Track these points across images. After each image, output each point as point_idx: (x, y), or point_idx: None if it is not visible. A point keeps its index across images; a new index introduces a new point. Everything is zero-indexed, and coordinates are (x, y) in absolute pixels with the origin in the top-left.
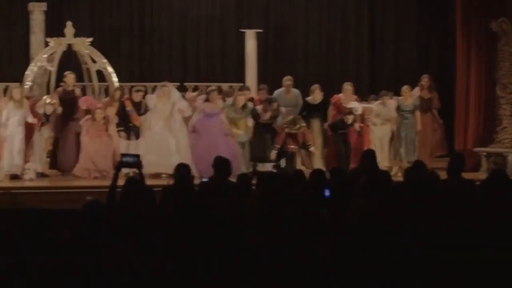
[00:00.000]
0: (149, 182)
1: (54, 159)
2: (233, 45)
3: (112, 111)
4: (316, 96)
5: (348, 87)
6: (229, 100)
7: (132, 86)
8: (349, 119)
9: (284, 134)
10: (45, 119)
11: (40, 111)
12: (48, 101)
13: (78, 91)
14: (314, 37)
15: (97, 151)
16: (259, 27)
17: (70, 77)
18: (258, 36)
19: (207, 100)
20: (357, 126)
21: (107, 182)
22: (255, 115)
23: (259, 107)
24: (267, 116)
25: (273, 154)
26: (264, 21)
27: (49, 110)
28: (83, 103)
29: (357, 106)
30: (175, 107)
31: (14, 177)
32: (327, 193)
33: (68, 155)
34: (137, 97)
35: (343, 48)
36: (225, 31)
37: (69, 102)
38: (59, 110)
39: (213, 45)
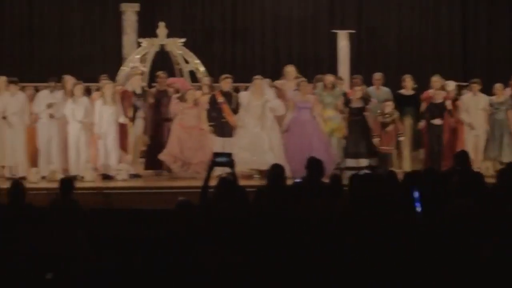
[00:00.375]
0: (241, 182)
1: (148, 159)
2: (325, 46)
3: (203, 98)
4: (407, 84)
5: (435, 78)
6: (319, 86)
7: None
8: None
9: (379, 129)
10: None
11: (130, 88)
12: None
13: (171, 91)
14: (406, 37)
15: (186, 141)
16: (351, 28)
17: (162, 77)
18: (350, 37)
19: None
20: (448, 104)
21: (199, 183)
22: (346, 101)
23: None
24: (357, 94)
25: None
26: (357, 21)
27: (138, 88)
28: (174, 81)
29: (450, 83)
30: (268, 105)
31: (107, 177)
32: (416, 194)
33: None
34: (225, 85)
35: (435, 49)
36: (317, 32)
37: (162, 102)
38: (151, 100)
39: (305, 46)
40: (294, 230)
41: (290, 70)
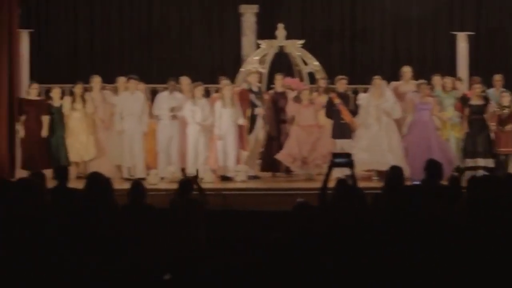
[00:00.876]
0: (360, 184)
1: (265, 161)
2: (444, 47)
3: (319, 98)
4: None
5: None
6: (438, 88)
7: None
8: None
9: (498, 132)
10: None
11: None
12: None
13: (289, 93)
14: None
15: (305, 139)
16: (470, 30)
17: (279, 78)
18: (469, 39)
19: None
20: None
21: (318, 184)
22: (465, 100)
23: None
24: (477, 92)
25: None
26: (476, 23)
27: (255, 86)
28: (289, 82)
29: None
30: (383, 106)
31: (225, 178)
32: None
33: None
34: (340, 86)
35: None
36: (436, 33)
37: (280, 104)
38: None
39: (424, 47)
40: (413, 233)
41: (407, 70)
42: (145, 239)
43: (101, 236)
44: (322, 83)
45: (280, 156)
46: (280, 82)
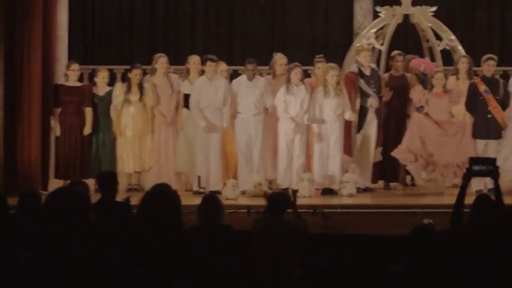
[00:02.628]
0: (508, 200)
1: (380, 168)
2: None
3: (458, 85)
4: None
5: None
6: None
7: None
8: None
9: None
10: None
11: None
12: None
13: (409, 77)
14: None
15: (433, 137)
16: None
17: (399, 59)
18: None
19: None
20: None
21: (451, 200)
22: None
23: None
24: None
25: None
26: None
27: (367, 67)
28: (417, 64)
29: None
30: None
31: (328, 192)
32: None
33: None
34: (488, 69)
35: None
36: None
37: (399, 92)
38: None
39: None
40: None
41: None
42: (220, 269)
43: (171, 266)
44: (463, 62)
45: (397, 152)
46: (400, 64)
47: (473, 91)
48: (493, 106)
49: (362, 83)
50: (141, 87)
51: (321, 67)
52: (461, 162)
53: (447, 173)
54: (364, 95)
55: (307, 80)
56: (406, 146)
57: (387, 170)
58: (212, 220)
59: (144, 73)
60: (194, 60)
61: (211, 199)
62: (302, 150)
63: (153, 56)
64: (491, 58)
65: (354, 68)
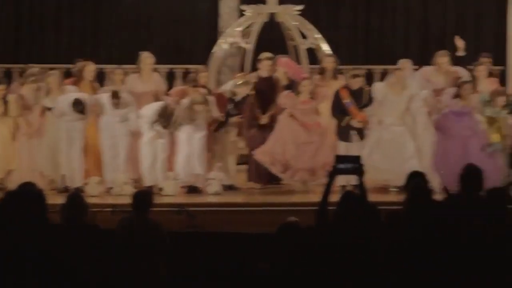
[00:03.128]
0: (372, 197)
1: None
2: (493, 14)
3: (324, 88)
4: None
5: None
6: (485, 95)
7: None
8: None
9: None
10: (233, 111)
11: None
12: (239, 81)
13: (276, 78)
14: None
15: (296, 140)
16: None
17: (267, 62)
18: None
19: (457, 96)
20: None
21: (316, 197)
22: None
23: None
24: None
25: None
26: None
27: (241, 92)
28: (283, 65)
29: None
30: (413, 101)
31: (192, 190)
32: None
33: None
34: (355, 84)
35: None
36: None
37: (265, 93)
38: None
39: (466, 16)
40: (443, 261)
41: (443, 59)
42: (85, 267)
43: (36, 263)
44: (328, 61)
45: (258, 153)
46: (266, 64)
47: (337, 99)
48: (355, 113)
49: (230, 107)
50: (5, 101)
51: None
52: (323, 164)
53: (307, 178)
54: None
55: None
56: (267, 148)
57: (252, 168)
58: (76, 219)
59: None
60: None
61: (75, 198)
62: (164, 148)
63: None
64: (358, 75)
65: (227, 92)
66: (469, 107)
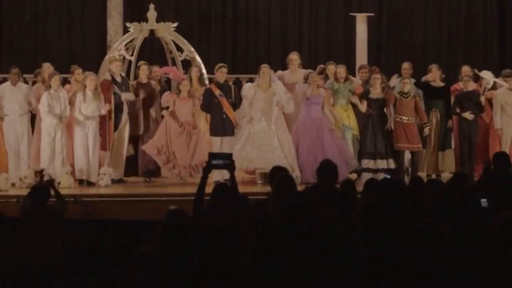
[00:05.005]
0: (242, 189)
1: (134, 163)
2: (341, 30)
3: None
4: (434, 75)
5: (465, 68)
6: (329, 81)
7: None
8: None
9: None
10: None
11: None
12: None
13: (154, 84)
14: (434, 23)
15: (177, 137)
16: (371, 11)
17: (144, 68)
18: (369, 21)
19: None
20: (482, 99)
21: (193, 189)
22: (365, 93)
23: None
24: (377, 84)
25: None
26: (377, 4)
27: (118, 75)
28: (166, 70)
29: (489, 77)
30: (275, 99)
31: (87, 183)
32: (484, 203)
33: (148, 157)
34: (221, 76)
35: (469, 35)
36: (332, 15)
37: (145, 98)
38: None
39: (318, 30)
40: (300, 247)
41: (294, 58)
42: None
43: None
44: (194, 71)
45: (146, 146)
46: (144, 71)
47: (209, 95)
48: (227, 107)
49: (116, 89)
50: None
51: (80, 73)
52: (198, 162)
53: (184, 173)
54: (117, 97)
55: (67, 86)
56: (154, 141)
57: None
58: None
59: None
60: None
61: None
62: (63, 145)
63: None
64: (223, 66)
65: (107, 76)
66: (319, 96)
